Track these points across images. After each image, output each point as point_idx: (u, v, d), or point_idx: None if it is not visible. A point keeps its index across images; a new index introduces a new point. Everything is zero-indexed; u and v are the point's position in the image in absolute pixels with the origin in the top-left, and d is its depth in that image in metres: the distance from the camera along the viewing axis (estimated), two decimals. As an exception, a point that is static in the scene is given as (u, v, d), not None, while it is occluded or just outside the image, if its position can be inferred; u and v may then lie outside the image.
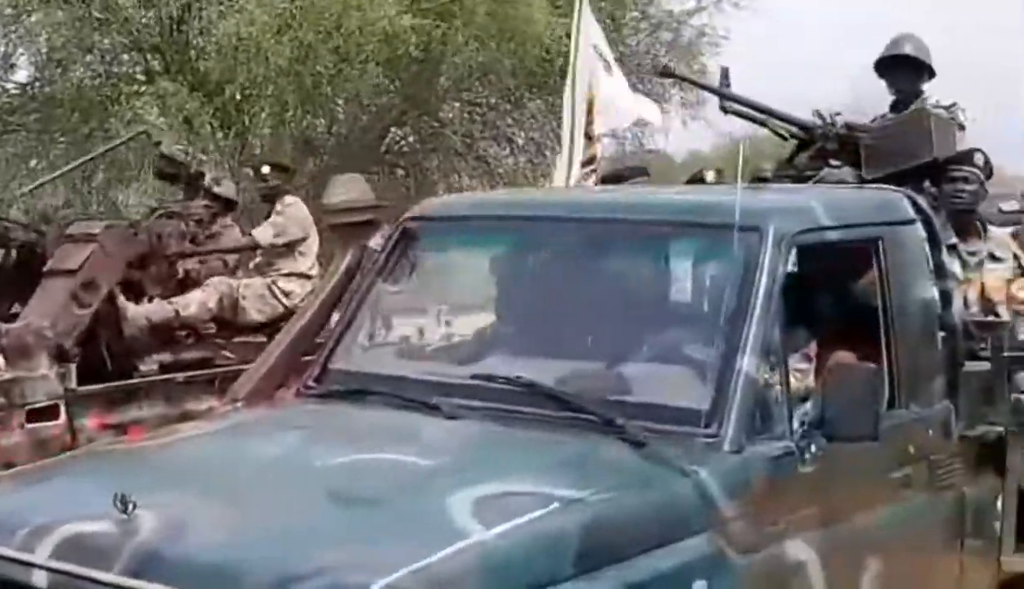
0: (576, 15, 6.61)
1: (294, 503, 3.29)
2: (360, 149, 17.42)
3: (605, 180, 5.89)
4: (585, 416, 3.77)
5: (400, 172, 18.07)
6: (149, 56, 16.53)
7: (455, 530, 3.16)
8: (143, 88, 16.14)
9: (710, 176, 5.80)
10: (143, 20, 16.09)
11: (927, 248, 4.52)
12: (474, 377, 4.04)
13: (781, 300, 3.93)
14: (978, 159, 5.04)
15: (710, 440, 3.69)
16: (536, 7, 16.24)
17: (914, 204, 4.55)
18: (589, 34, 6.56)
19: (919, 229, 4.51)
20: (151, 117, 15.64)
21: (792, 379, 4.09)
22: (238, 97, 15.96)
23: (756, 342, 3.81)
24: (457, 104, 18.56)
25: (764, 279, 3.90)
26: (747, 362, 3.79)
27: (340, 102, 17.09)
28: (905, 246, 4.44)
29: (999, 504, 4.65)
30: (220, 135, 16.18)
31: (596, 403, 3.79)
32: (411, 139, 18.30)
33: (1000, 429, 4.62)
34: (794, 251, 4.02)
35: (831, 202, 4.31)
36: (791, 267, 4.06)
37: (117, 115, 15.47)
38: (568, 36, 17.90)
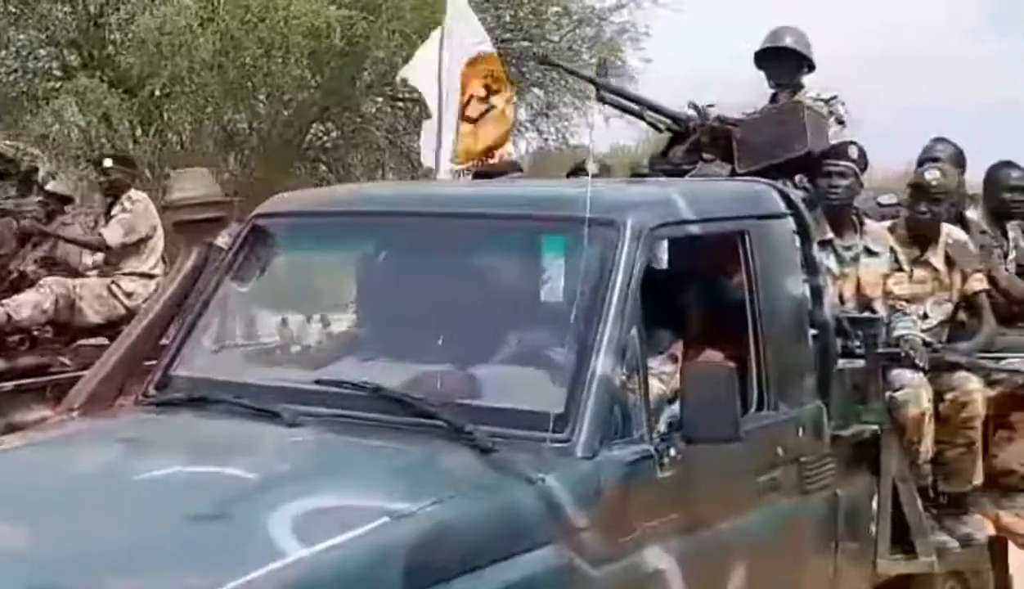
0: (448, 7, 6.36)
1: (99, 524, 2.97)
2: (282, 144, 17.09)
3: (477, 176, 5.62)
4: (433, 422, 3.50)
5: (323, 168, 17.75)
6: (67, 51, 16.09)
7: (271, 550, 2.87)
8: (61, 84, 15.71)
9: (592, 168, 5.51)
10: (60, 14, 15.66)
11: (797, 242, 4.29)
12: (320, 382, 3.76)
13: (640, 297, 3.68)
14: (852, 152, 4.83)
15: (562, 445, 3.43)
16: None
17: (784, 197, 4.30)
18: (458, 25, 6.30)
19: (789, 223, 4.27)
20: (69, 114, 15.20)
21: (657, 381, 3.85)
22: (157, 93, 15.57)
23: (612, 341, 3.56)
24: (381, 99, 18.30)
25: (620, 275, 3.64)
26: (602, 363, 3.53)
27: (262, 97, 16.76)
28: (774, 240, 4.20)
29: (874, 505, 4.44)
30: (140, 132, 15.79)
31: (444, 408, 3.51)
32: (334, 134, 17.99)
33: (874, 428, 4.41)
34: (654, 245, 3.77)
35: (694, 195, 4.06)
36: (653, 263, 3.82)
37: (35, 114, 15.04)
38: (492, 29, 17.80)
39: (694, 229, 3.96)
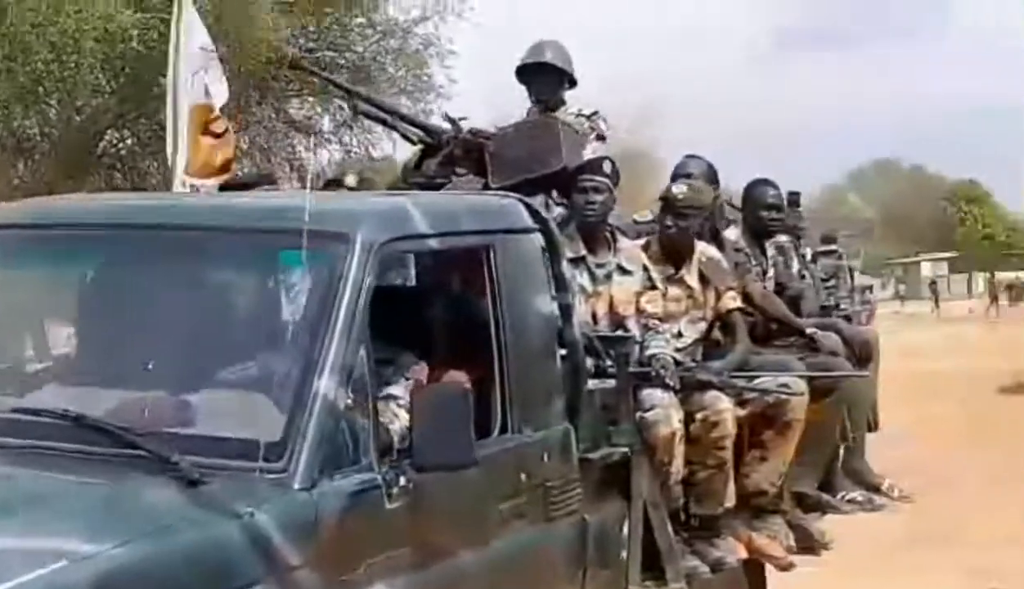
0: (175, 13, 5.99)
1: None
2: (75, 151, 16.27)
3: (226, 188, 5.25)
4: (137, 452, 3.13)
5: (118, 176, 16.96)
6: None
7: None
8: None
9: (350, 180, 5.23)
10: None
11: (546, 259, 4.05)
12: (17, 410, 3.35)
13: (374, 315, 3.38)
14: (607, 167, 4.63)
15: (277, 476, 3.11)
16: (259, 7, 15.52)
17: (532, 212, 4.06)
18: (193, 35, 5.94)
19: (536, 238, 4.03)
20: None
21: (395, 406, 3.55)
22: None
23: (337, 363, 3.25)
24: (178, 107, 17.56)
25: (348, 291, 3.33)
26: (325, 385, 3.22)
27: (54, 102, 15.93)
28: (520, 256, 3.96)
29: (625, 530, 4.23)
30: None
31: (149, 437, 3.15)
32: (130, 141, 17.21)
33: (625, 450, 4.19)
34: (387, 260, 3.49)
35: (433, 208, 3.77)
36: (388, 278, 3.53)
37: None
38: (293, 38, 17.30)
39: (433, 243, 3.68)
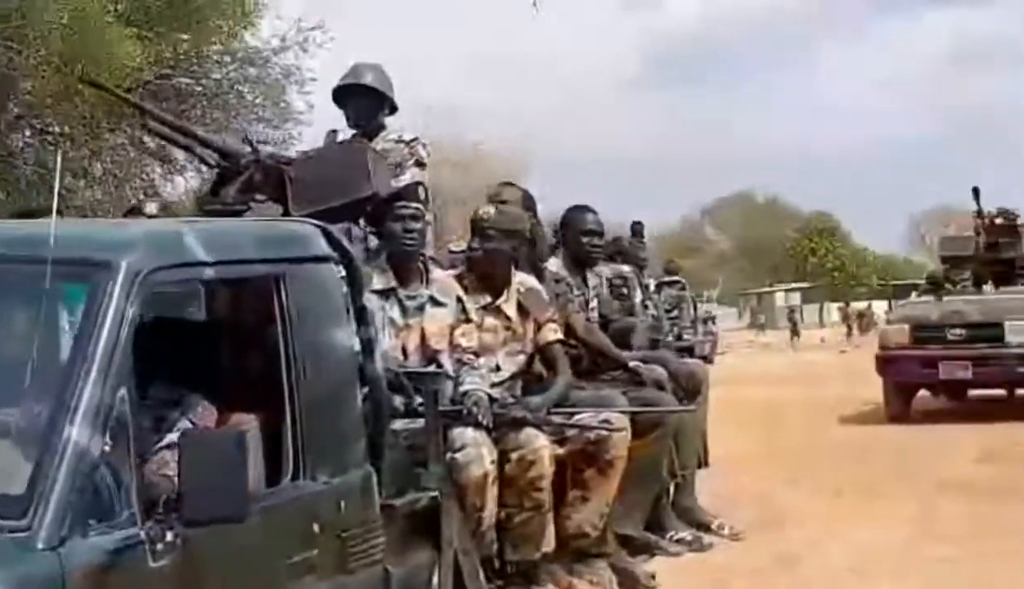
0: None
1: None
2: None
3: (15, 215, 4.81)
4: None
5: (-36, 206, 16.11)
6: None
7: None
8: None
9: (150, 208, 4.79)
10: None
11: (345, 290, 3.69)
12: None
13: (135, 351, 2.97)
14: (421, 194, 4.30)
15: (19, 535, 2.70)
16: (114, 34, 14.96)
17: (331, 240, 3.70)
18: None
19: (334, 269, 3.67)
20: None
21: (169, 453, 3.14)
22: None
23: (92, 405, 2.85)
24: (29, 132, 16.84)
25: (107, 324, 2.92)
26: (77, 432, 2.81)
27: None
28: (315, 287, 3.59)
29: (435, 580, 3.87)
30: None
31: None
32: None
33: (434, 494, 3.85)
34: (156, 291, 3.09)
35: (212, 235, 3.38)
36: (159, 311, 3.14)
37: None
38: (148, 65, 16.67)
39: (212, 272, 3.29)
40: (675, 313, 14.37)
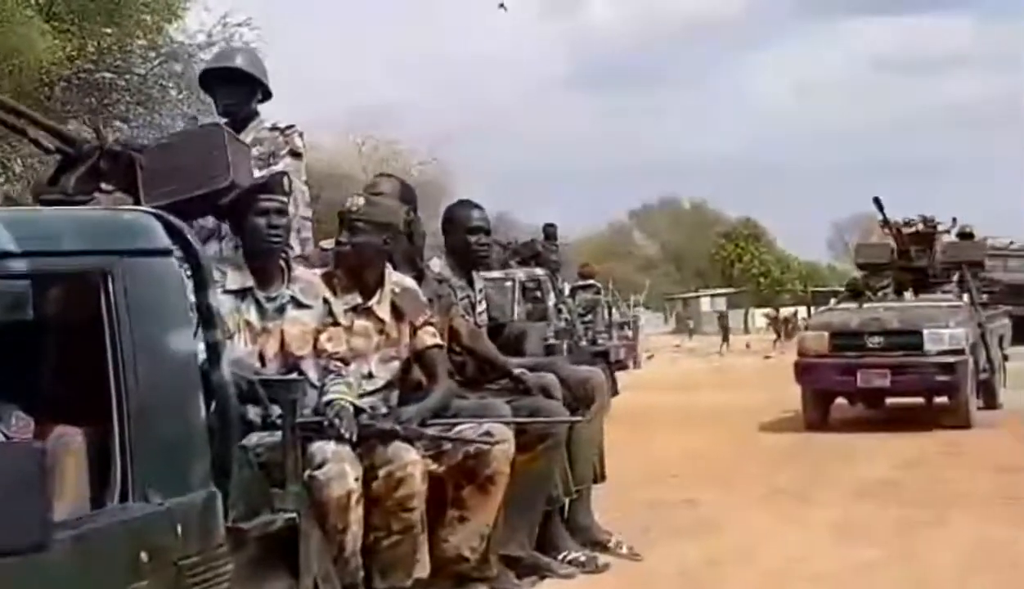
0: None
1: None
2: None
3: None
4: None
5: None
6: None
7: None
8: None
9: None
10: None
11: (188, 289, 3.27)
12: None
13: None
14: (286, 185, 3.88)
15: None
16: (35, 28, 14.45)
17: (172, 231, 3.27)
18: None
19: (174, 264, 3.24)
20: None
21: None
22: None
23: None
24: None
25: None
26: None
27: None
28: (151, 283, 3.14)
29: (299, 612, 3.45)
30: None
31: None
32: None
33: (291, 516, 3.43)
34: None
35: (22, 223, 2.94)
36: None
37: None
38: (70, 59, 16.08)
39: (20, 266, 2.84)
40: (589, 317, 14.06)
